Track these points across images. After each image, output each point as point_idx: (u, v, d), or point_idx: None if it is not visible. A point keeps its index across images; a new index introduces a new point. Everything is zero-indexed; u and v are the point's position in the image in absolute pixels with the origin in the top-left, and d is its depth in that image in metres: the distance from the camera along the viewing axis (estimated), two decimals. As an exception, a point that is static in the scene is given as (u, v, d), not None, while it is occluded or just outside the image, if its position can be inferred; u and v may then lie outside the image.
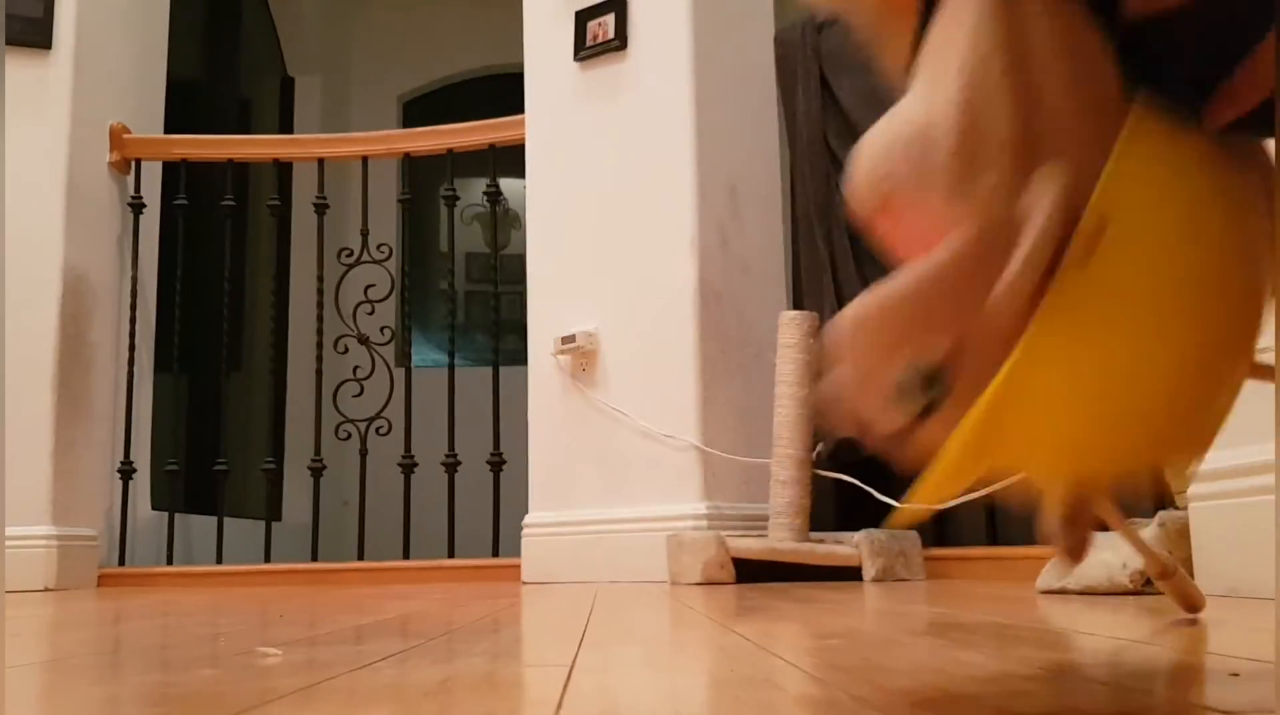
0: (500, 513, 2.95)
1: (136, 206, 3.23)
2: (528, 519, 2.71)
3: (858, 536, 2.22)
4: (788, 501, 2.29)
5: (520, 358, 2.90)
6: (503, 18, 3.92)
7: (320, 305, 3.19)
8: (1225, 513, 1.47)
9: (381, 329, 3.23)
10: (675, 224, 2.60)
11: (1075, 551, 0.58)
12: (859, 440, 0.56)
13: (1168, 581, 0.96)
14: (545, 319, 2.76)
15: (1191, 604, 0.99)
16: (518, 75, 2.94)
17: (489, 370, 3.08)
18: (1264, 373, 0.51)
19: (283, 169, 3.89)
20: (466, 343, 5.24)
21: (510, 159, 3.10)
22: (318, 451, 3.12)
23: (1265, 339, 0.50)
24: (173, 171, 3.34)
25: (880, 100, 0.55)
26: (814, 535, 2.31)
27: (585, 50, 2.77)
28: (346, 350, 3.24)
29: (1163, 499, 1.96)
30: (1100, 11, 0.47)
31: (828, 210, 2.66)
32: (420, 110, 5.45)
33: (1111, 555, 1.61)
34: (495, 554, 2.91)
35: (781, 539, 2.27)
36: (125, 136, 3.21)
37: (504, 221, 4.85)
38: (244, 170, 3.81)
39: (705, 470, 2.49)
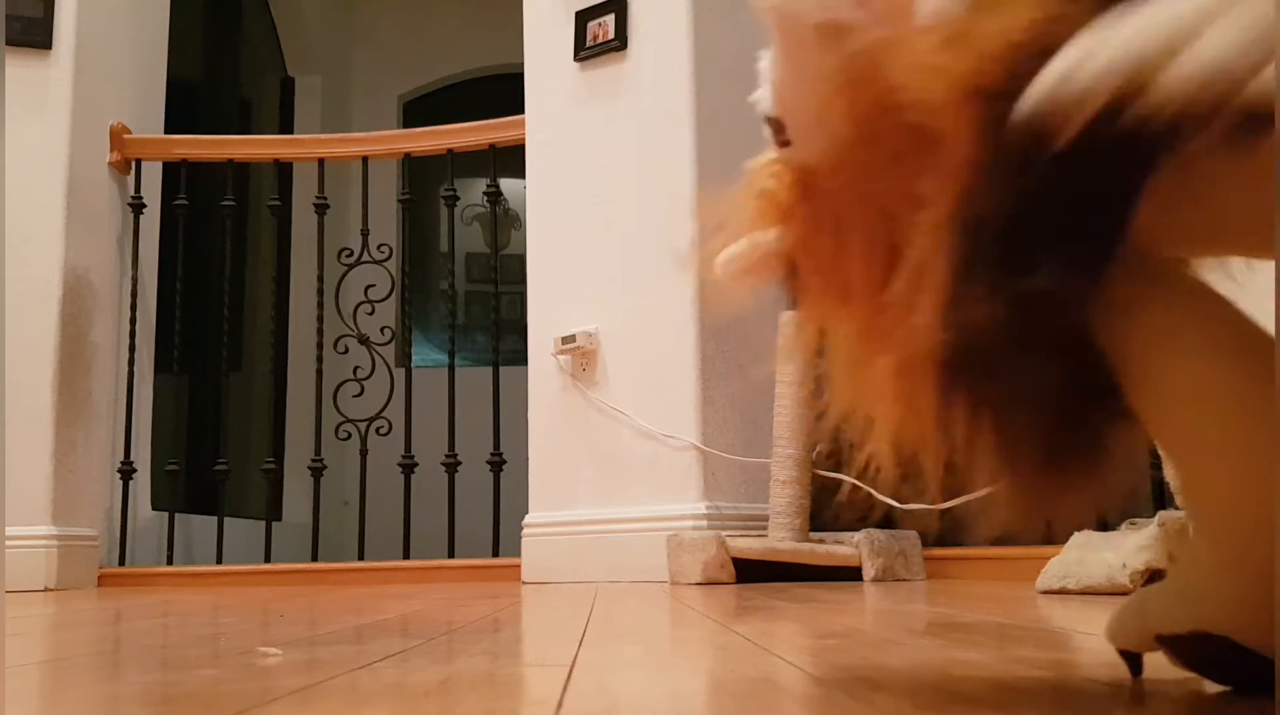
0: (500, 513, 2.95)
1: (137, 207, 3.23)
2: (528, 519, 2.71)
3: (858, 536, 2.22)
4: (788, 501, 2.29)
5: (520, 358, 2.90)
6: (503, 18, 3.92)
7: (320, 305, 3.19)
8: (1225, 513, 1.47)
9: (381, 329, 3.23)
10: (675, 224, 2.59)
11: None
12: None
13: None
14: (545, 319, 2.76)
15: None
16: (518, 75, 2.94)
17: (489, 370, 3.08)
18: None
19: (283, 169, 3.89)
20: (466, 343, 5.24)
21: (510, 159, 3.10)
22: (318, 451, 3.12)
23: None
24: (173, 172, 3.34)
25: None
26: (814, 535, 2.31)
27: (585, 50, 2.77)
28: (347, 350, 3.24)
29: (1163, 499, 1.96)
30: None
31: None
32: (420, 110, 5.46)
33: (1111, 555, 1.61)
34: (495, 554, 2.91)
35: (781, 539, 2.27)
36: (125, 137, 3.21)
37: (504, 221, 4.85)
38: (244, 170, 3.81)
39: (705, 470, 2.49)
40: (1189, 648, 0.55)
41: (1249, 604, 0.52)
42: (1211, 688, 0.56)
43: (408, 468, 3.06)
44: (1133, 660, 0.60)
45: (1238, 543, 0.52)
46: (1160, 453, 0.56)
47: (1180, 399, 0.52)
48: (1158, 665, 0.58)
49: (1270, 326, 0.49)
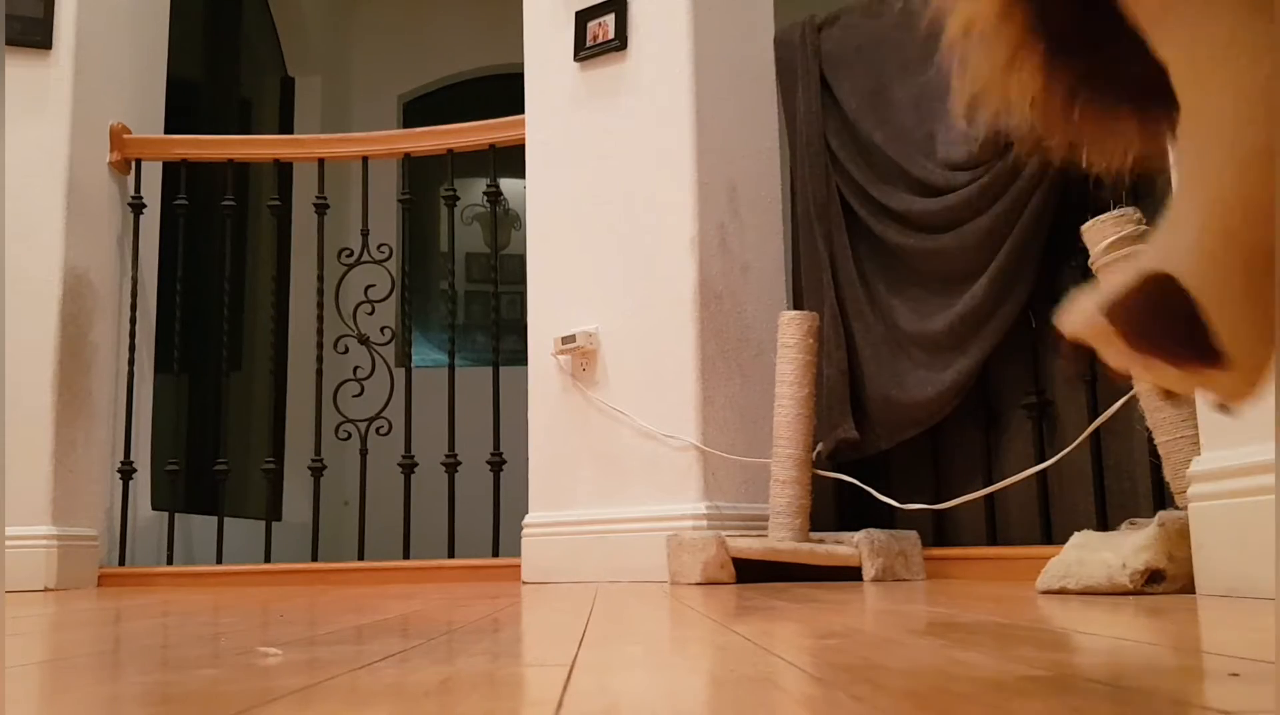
0: (500, 513, 2.95)
1: (137, 206, 3.23)
2: (527, 519, 2.71)
3: (858, 536, 2.22)
4: (788, 501, 2.29)
5: (520, 358, 2.90)
6: (503, 18, 3.92)
7: (320, 305, 3.19)
8: (1225, 513, 1.47)
9: (381, 329, 3.23)
10: (675, 224, 2.60)
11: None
12: None
13: None
14: (545, 319, 2.76)
15: None
16: (518, 75, 2.94)
17: (489, 370, 3.08)
18: None
19: (283, 169, 3.89)
20: (466, 343, 5.25)
21: (510, 159, 3.10)
22: (318, 451, 3.12)
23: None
24: (173, 171, 3.34)
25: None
26: (814, 535, 2.31)
27: (585, 50, 2.77)
28: (347, 350, 3.24)
29: (1163, 499, 1.96)
30: None
31: (828, 210, 2.66)
32: (420, 110, 5.46)
33: (1111, 555, 1.61)
34: (495, 554, 2.91)
35: (781, 539, 2.27)
36: (125, 136, 3.21)
37: (504, 221, 4.86)
38: (244, 170, 3.81)
39: (705, 470, 2.49)
40: (1141, 301, 0.54)
41: (1216, 258, 0.51)
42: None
43: (408, 468, 3.06)
44: (1076, 350, 0.58)
45: (1231, 189, 0.51)
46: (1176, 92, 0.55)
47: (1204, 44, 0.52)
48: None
49: None
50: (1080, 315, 0.57)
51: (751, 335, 2.65)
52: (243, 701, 0.60)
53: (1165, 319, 0.53)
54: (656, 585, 2.24)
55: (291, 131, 5.00)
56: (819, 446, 2.46)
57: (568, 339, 2.67)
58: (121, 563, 3.06)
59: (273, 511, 3.30)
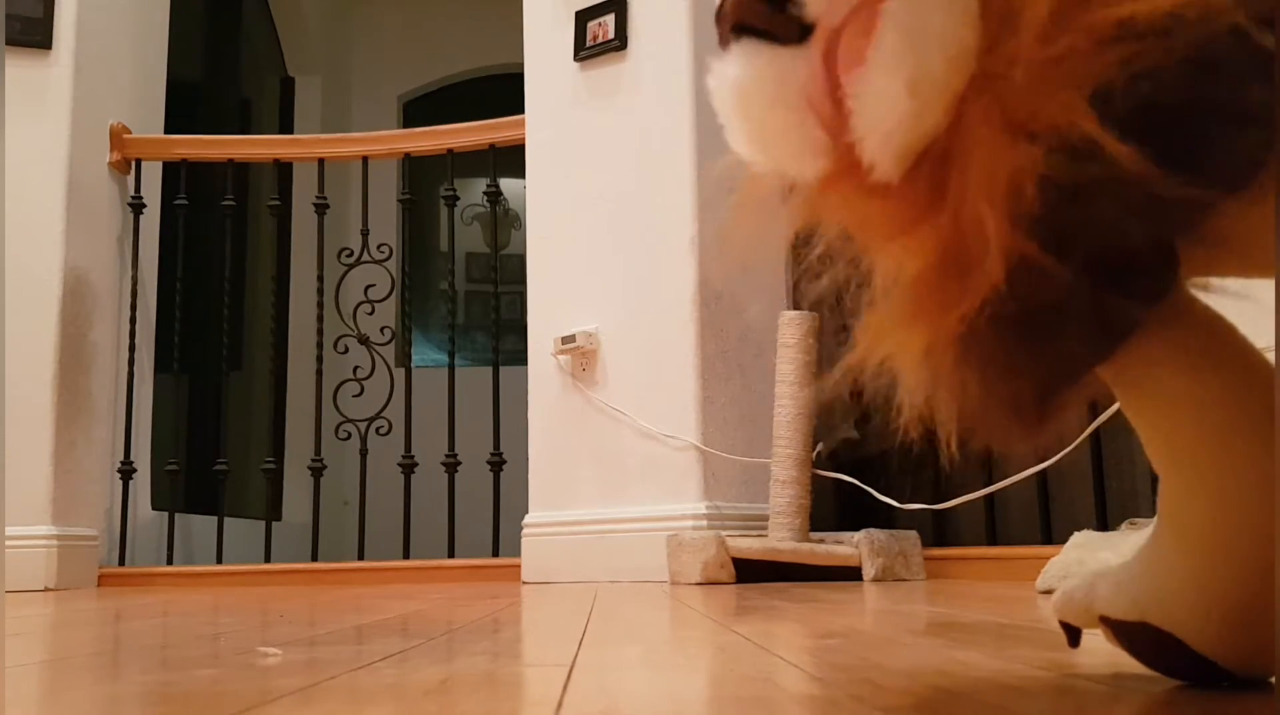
0: (500, 513, 2.95)
1: (137, 206, 3.23)
2: (527, 519, 2.71)
3: (858, 536, 2.22)
4: (788, 501, 2.29)
5: (520, 358, 2.90)
6: (503, 18, 3.92)
7: (320, 305, 3.19)
8: (1225, 513, 1.47)
9: (381, 329, 3.24)
10: (675, 224, 2.60)
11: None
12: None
13: None
14: (545, 319, 2.76)
15: None
16: (518, 75, 2.94)
17: (489, 370, 3.08)
18: None
19: (283, 169, 3.89)
20: (466, 343, 5.25)
21: (510, 159, 3.10)
22: (318, 451, 3.12)
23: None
24: (173, 171, 3.34)
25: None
26: (814, 535, 2.31)
27: (585, 50, 2.77)
28: (346, 350, 3.24)
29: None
30: None
31: (828, 210, 2.66)
32: (420, 110, 5.46)
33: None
34: (495, 554, 2.91)
35: (781, 539, 2.27)
36: (125, 136, 3.21)
37: (504, 221, 4.86)
38: (244, 170, 3.81)
39: (705, 470, 2.49)
40: (1131, 634, 0.57)
41: (1210, 615, 0.53)
42: (1212, 691, 0.56)
43: (408, 468, 3.06)
44: (1072, 633, 0.64)
45: (1209, 556, 0.53)
46: (1148, 455, 0.57)
47: (1174, 410, 0.52)
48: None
49: (1260, 341, 0.49)
50: (1077, 611, 0.62)
51: (751, 335, 2.65)
52: (243, 701, 0.60)
53: (1169, 655, 0.56)
54: (656, 585, 2.24)
55: (291, 131, 5.01)
56: (819, 446, 2.46)
57: (568, 339, 2.67)
58: (121, 563, 3.06)
59: (273, 511, 3.30)
